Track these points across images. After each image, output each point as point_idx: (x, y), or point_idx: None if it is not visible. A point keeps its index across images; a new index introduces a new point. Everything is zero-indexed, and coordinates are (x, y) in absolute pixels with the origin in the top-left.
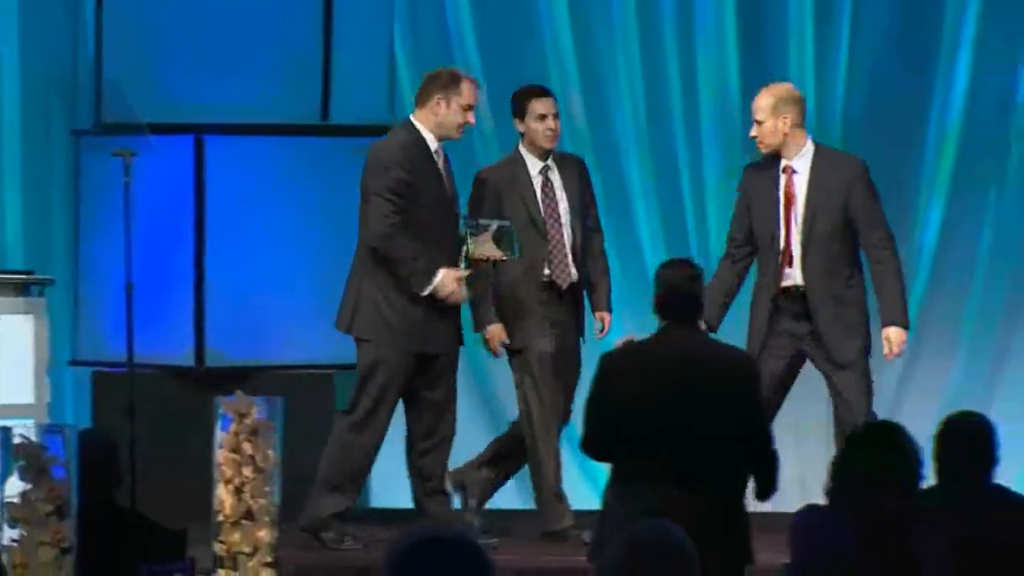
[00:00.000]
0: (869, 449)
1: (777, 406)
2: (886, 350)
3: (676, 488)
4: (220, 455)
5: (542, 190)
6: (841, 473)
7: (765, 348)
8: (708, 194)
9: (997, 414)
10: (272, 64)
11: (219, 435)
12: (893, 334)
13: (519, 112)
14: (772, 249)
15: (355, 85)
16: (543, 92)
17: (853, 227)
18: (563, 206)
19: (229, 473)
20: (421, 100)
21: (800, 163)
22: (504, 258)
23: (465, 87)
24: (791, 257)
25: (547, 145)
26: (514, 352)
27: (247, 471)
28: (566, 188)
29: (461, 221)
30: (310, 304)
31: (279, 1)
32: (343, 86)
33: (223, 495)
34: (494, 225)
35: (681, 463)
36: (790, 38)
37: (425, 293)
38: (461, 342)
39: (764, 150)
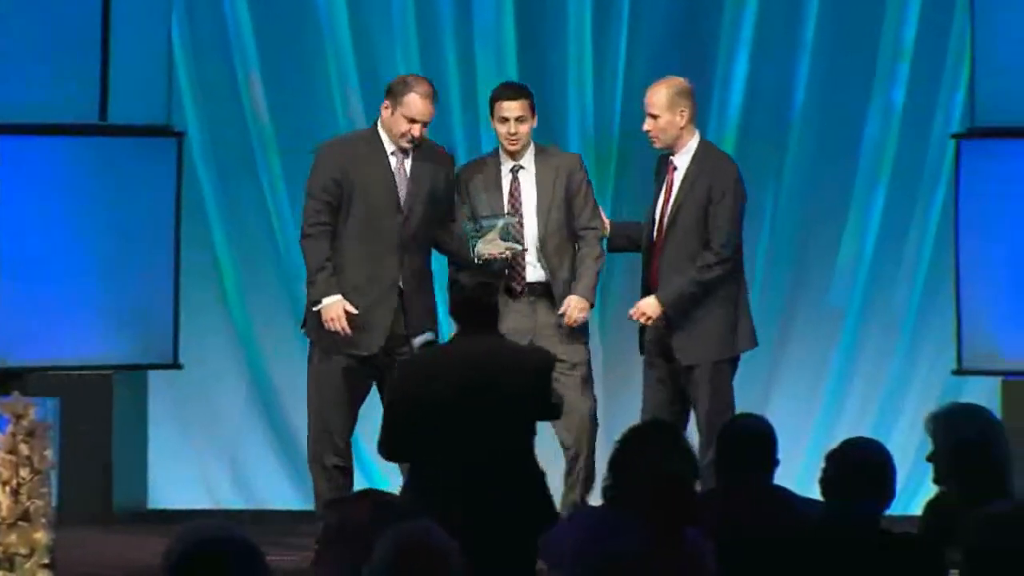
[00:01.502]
0: (646, 449)
1: (681, 417)
2: (632, 311)
3: (469, 486)
4: None
5: (509, 190)
6: (618, 473)
7: (647, 352)
8: None
9: (774, 413)
10: (50, 63)
11: None
12: (649, 300)
13: (490, 111)
14: (649, 243)
15: (133, 84)
16: (508, 94)
17: None
18: (530, 206)
19: (6, 475)
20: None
21: (682, 159)
22: (510, 254)
23: (410, 99)
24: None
25: (508, 148)
26: None
27: (24, 472)
28: (540, 186)
29: (464, 223)
30: (90, 305)
31: None
32: (121, 85)
33: (0, 496)
34: (499, 222)
35: (474, 461)
36: (569, 39)
37: (315, 309)
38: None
39: (658, 146)
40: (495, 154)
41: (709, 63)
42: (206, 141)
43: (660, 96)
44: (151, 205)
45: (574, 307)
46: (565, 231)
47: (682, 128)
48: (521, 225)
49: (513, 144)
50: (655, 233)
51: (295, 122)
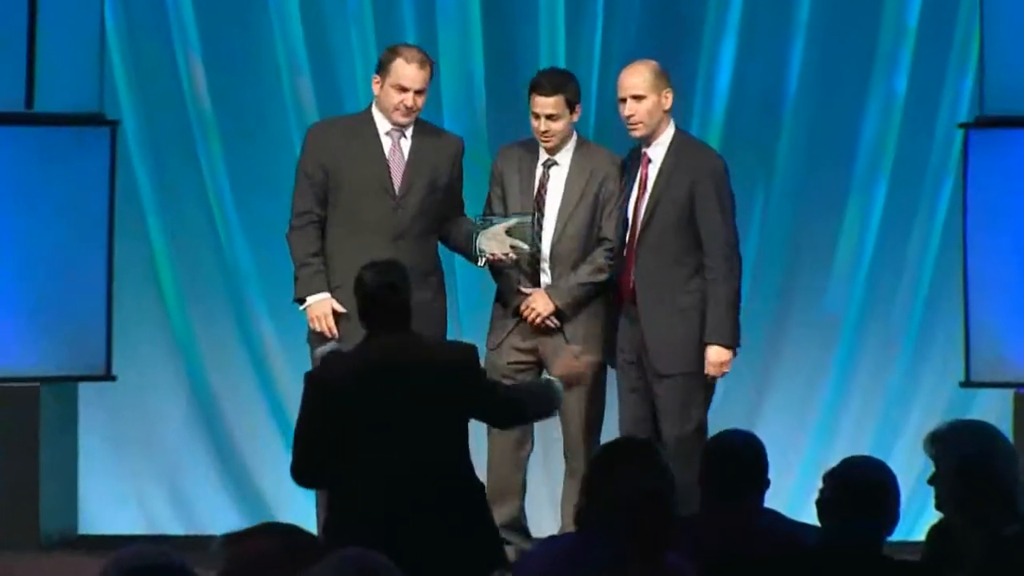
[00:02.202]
0: (619, 467)
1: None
2: (706, 369)
3: (402, 503)
4: None
5: (539, 186)
6: (591, 493)
7: (619, 361)
8: None
9: (764, 429)
10: None
11: None
12: (711, 353)
13: (529, 100)
14: (623, 244)
15: (63, 71)
16: (542, 88)
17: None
18: (554, 207)
19: None
20: None
21: (657, 151)
22: (515, 255)
23: (397, 66)
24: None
25: (542, 145)
26: None
27: None
28: (568, 186)
29: (476, 216)
30: (14, 309)
31: None
32: (50, 71)
33: None
34: (512, 220)
35: (398, 480)
36: (540, 23)
37: (301, 308)
38: None
39: (640, 133)
40: (535, 143)
41: (692, 48)
42: (142, 130)
43: (644, 76)
44: (82, 199)
45: (531, 301)
46: (582, 239)
47: (665, 112)
48: (541, 226)
49: (546, 142)
50: (628, 234)
51: (239, 109)
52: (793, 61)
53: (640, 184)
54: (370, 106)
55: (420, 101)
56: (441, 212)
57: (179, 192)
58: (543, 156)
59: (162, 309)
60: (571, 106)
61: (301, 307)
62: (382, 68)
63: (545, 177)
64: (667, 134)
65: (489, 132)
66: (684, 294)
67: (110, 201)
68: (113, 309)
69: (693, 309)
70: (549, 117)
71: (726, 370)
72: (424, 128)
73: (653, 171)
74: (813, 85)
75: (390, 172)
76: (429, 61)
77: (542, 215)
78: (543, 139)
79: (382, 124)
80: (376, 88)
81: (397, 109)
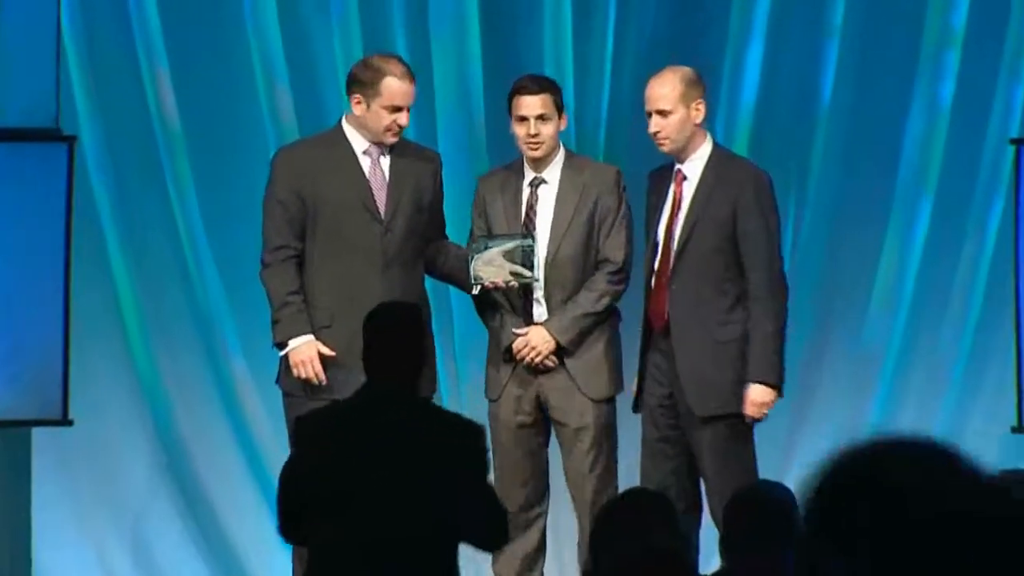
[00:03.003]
0: (629, 522)
1: (691, 489)
2: (746, 410)
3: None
4: None
5: (527, 207)
6: (599, 550)
7: (646, 407)
8: (446, 204)
9: (796, 479)
10: None
11: None
12: (753, 393)
13: (508, 110)
14: (652, 270)
15: (14, 81)
16: (528, 88)
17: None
18: (545, 228)
19: None
20: (347, 93)
21: (693, 166)
22: (516, 284)
23: (388, 84)
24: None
25: (529, 154)
26: None
27: None
28: (559, 205)
29: (473, 240)
30: None
31: None
32: (1, 85)
33: None
34: (510, 244)
35: (389, 540)
36: (545, 23)
37: (280, 353)
38: None
39: (668, 148)
40: (518, 164)
41: (715, 50)
42: (102, 146)
43: (670, 87)
44: (35, 223)
45: (530, 339)
46: (579, 263)
47: (697, 125)
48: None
49: (534, 149)
50: (659, 259)
51: (210, 124)
52: (827, 65)
53: (673, 203)
54: (339, 123)
55: (407, 116)
56: (427, 234)
57: (143, 216)
58: (529, 175)
59: (124, 345)
60: (559, 109)
61: (281, 352)
62: (366, 87)
63: (533, 197)
64: (705, 147)
65: (489, 148)
66: (725, 326)
67: (67, 225)
68: (71, 346)
69: (735, 343)
70: (539, 118)
71: (767, 411)
72: (402, 145)
73: (689, 188)
74: (849, 92)
75: (372, 194)
76: (412, 72)
77: (533, 239)
78: (531, 145)
79: (358, 143)
80: (358, 108)
81: (389, 130)
